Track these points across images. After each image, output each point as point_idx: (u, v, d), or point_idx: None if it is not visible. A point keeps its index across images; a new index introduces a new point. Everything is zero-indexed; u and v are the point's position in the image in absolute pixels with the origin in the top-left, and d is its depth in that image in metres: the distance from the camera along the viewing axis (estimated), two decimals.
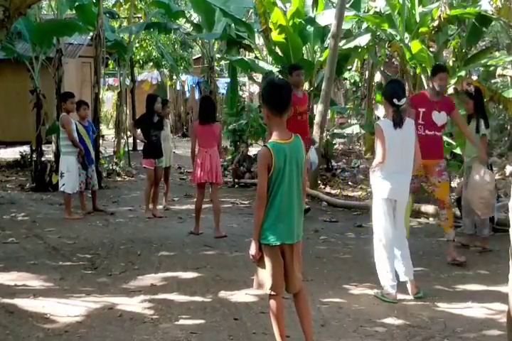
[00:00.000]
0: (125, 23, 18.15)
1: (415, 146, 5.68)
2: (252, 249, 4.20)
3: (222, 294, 5.47)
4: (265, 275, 4.22)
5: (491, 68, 12.39)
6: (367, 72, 18.00)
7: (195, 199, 8.78)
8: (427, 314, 5.23)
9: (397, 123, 5.57)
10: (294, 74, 9.37)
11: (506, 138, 17.63)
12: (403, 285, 5.74)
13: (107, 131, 20.99)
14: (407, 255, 5.72)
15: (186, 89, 26.22)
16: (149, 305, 5.44)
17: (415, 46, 10.90)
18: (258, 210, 4.14)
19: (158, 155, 9.72)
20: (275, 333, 4.26)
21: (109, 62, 18.27)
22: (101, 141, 13.31)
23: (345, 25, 12.33)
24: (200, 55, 25.00)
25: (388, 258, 5.61)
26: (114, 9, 17.74)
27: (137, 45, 20.10)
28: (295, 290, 4.32)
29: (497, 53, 14.27)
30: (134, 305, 5.44)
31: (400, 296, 5.64)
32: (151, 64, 23.98)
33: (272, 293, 4.24)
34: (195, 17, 19.89)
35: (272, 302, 4.27)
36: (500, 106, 11.76)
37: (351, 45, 12.63)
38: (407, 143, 5.63)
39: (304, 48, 12.95)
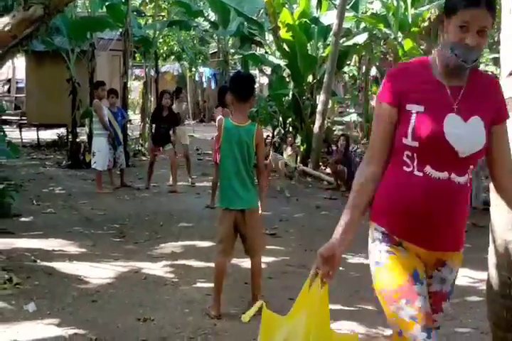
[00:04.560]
0: (150, 21, 17.91)
1: None
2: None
3: (235, 261, 5.42)
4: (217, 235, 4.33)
5: None
6: (364, 67, 17.82)
7: (211, 177, 8.74)
8: None
9: None
10: None
11: None
12: None
13: (134, 116, 20.85)
14: None
15: (204, 80, 26.03)
16: (170, 269, 5.45)
17: (407, 44, 10.80)
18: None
19: (163, 144, 9.71)
20: (213, 289, 4.34)
21: (136, 55, 18.07)
22: (128, 125, 13.26)
23: (346, 25, 12.19)
24: (216, 50, 24.80)
25: None
26: (141, 8, 17.56)
27: (161, 40, 19.87)
28: (250, 253, 4.38)
29: None
30: (156, 269, 5.44)
31: None
32: (173, 57, 23.76)
33: (220, 251, 4.30)
34: (212, 16, 19.68)
35: (216, 262, 4.35)
36: None
37: (350, 42, 12.54)
38: None
39: (308, 45, 12.81)
